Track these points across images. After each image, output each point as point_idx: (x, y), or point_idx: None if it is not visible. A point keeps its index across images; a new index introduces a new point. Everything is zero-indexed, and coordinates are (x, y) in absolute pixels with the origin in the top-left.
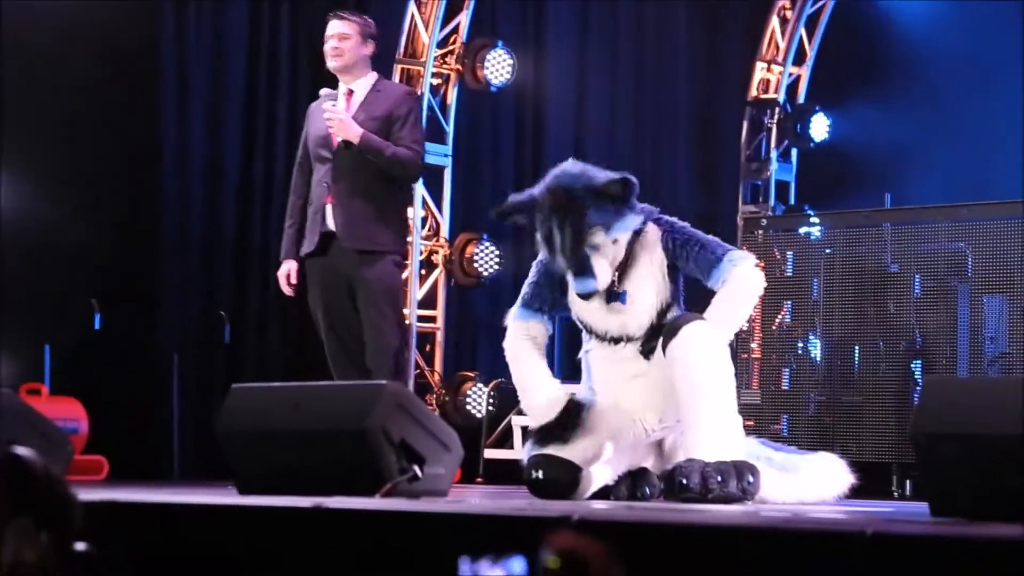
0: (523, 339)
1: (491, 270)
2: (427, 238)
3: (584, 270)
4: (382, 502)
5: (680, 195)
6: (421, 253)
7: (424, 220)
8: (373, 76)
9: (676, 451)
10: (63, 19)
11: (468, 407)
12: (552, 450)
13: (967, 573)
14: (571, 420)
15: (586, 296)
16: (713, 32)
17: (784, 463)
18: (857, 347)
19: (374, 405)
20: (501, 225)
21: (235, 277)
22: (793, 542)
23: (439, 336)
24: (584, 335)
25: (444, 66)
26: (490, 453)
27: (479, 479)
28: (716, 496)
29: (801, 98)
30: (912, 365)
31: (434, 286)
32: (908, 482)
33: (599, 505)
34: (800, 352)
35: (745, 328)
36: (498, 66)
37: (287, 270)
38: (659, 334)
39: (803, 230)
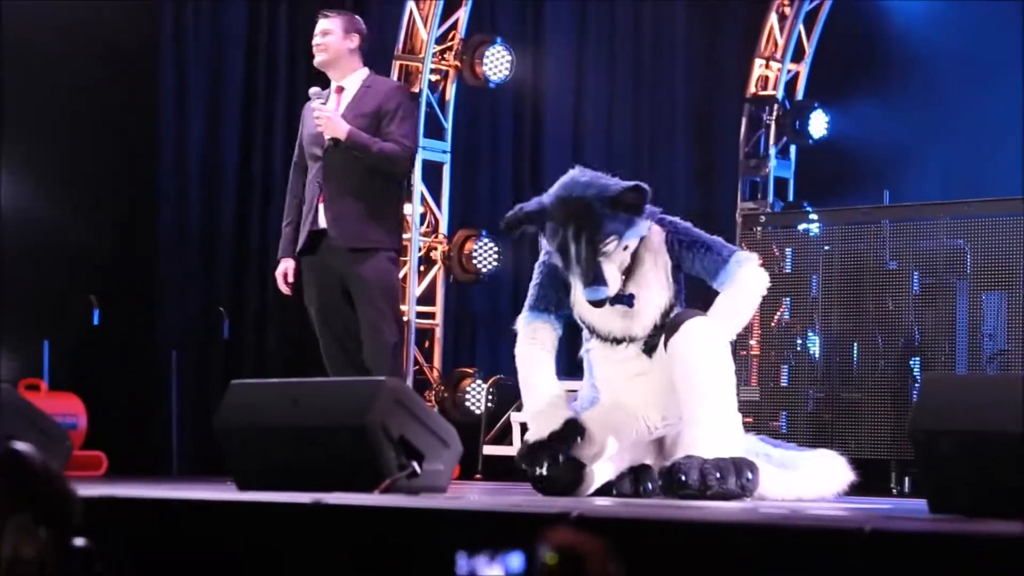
0: (530, 343)
1: (490, 266)
2: (426, 234)
3: (598, 279)
4: (381, 498)
5: (679, 192)
6: (420, 249)
7: (423, 216)
8: (364, 72)
9: (676, 447)
10: (63, 19)
11: (467, 403)
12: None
13: (966, 570)
14: (565, 441)
15: (598, 304)
16: (712, 29)
17: (783, 460)
18: (856, 344)
19: (373, 401)
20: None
21: (234, 274)
22: (792, 539)
23: (438, 332)
24: (584, 334)
25: (443, 62)
26: (489, 449)
27: (478, 475)
28: (715, 493)
29: (800, 95)
30: (911, 362)
31: (433, 282)
32: (907, 479)
33: (599, 502)
34: (799, 349)
35: (744, 325)
36: (497, 62)
37: (284, 269)
38: (661, 332)
39: (802, 227)
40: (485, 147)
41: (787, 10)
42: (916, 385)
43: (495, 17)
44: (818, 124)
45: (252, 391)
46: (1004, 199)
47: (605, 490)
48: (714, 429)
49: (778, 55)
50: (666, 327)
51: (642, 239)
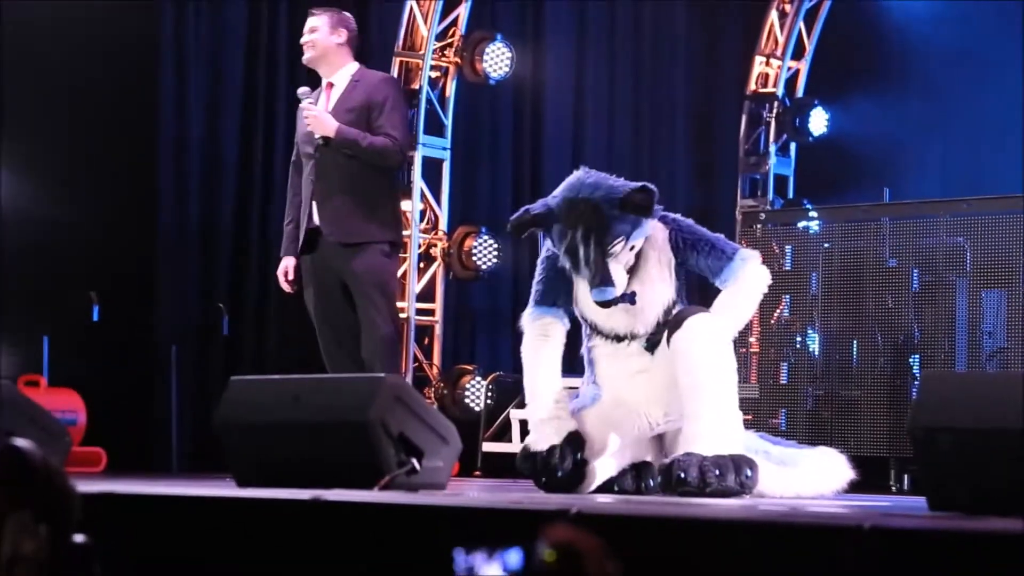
0: (540, 339)
1: (489, 263)
2: (425, 231)
3: (606, 281)
4: (380, 495)
5: (678, 189)
6: (419, 246)
7: (423, 213)
8: (354, 67)
9: (676, 444)
10: (63, 19)
11: (466, 400)
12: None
13: (965, 567)
14: (563, 459)
15: (606, 304)
16: (712, 24)
17: (782, 457)
18: (855, 341)
19: (373, 398)
20: (499, 218)
21: (234, 271)
22: (791, 536)
23: (437, 329)
24: (585, 331)
25: (443, 59)
26: (488, 446)
27: (477, 472)
28: (714, 490)
29: (800, 92)
30: (910, 360)
31: (432, 279)
32: (906, 476)
33: (599, 499)
34: (798, 346)
35: (746, 322)
36: (497, 59)
37: (285, 267)
38: (664, 329)
39: (801, 224)
40: (485, 144)
41: (787, 7)
42: (915, 383)
43: (495, 13)
44: (818, 121)
45: (252, 387)
46: (1004, 197)
47: (606, 487)
48: (714, 426)
49: (778, 52)
50: (669, 323)
51: (646, 237)
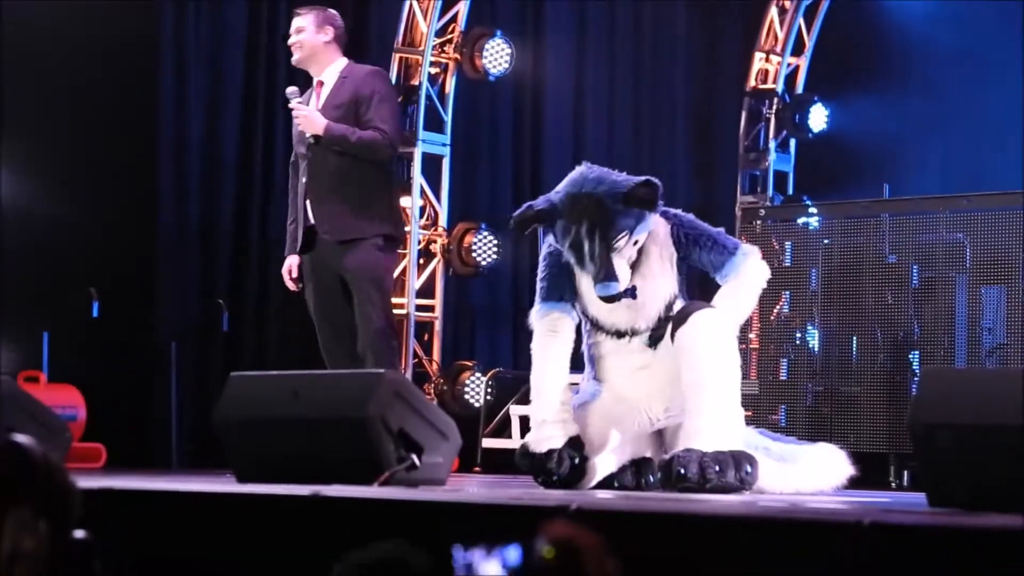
0: (550, 336)
1: (489, 259)
2: (425, 227)
3: (610, 275)
4: (380, 491)
5: (678, 187)
6: (419, 242)
7: (422, 209)
8: (342, 63)
9: (676, 439)
10: (63, 19)
11: (466, 396)
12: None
13: (964, 563)
14: (561, 464)
15: (609, 299)
16: (712, 24)
17: (782, 453)
18: (855, 338)
19: (373, 394)
20: (499, 215)
21: (233, 270)
22: (791, 532)
23: (437, 325)
24: (586, 327)
25: (442, 55)
26: (488, 442)
27: (477, 468)
28: (714, 486)
29: (800, 88)
30: (910, 356)
31: (432, 275)
32: (906, 472)
33: (600, 495)
34: (798, 342)
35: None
36: (497, 55)
37: (288, 266)
38: (665, 325)
39: (801, 220)
40: (485, 140)
41: (787, 4)
42: (915, 379)
43: (495, 9)
44: (818, 118)
45: (251, 383)
46: (1003, 193)
47: (607, 483)
48: (715, 421)
49: (778, 49)
50: (674, 318)
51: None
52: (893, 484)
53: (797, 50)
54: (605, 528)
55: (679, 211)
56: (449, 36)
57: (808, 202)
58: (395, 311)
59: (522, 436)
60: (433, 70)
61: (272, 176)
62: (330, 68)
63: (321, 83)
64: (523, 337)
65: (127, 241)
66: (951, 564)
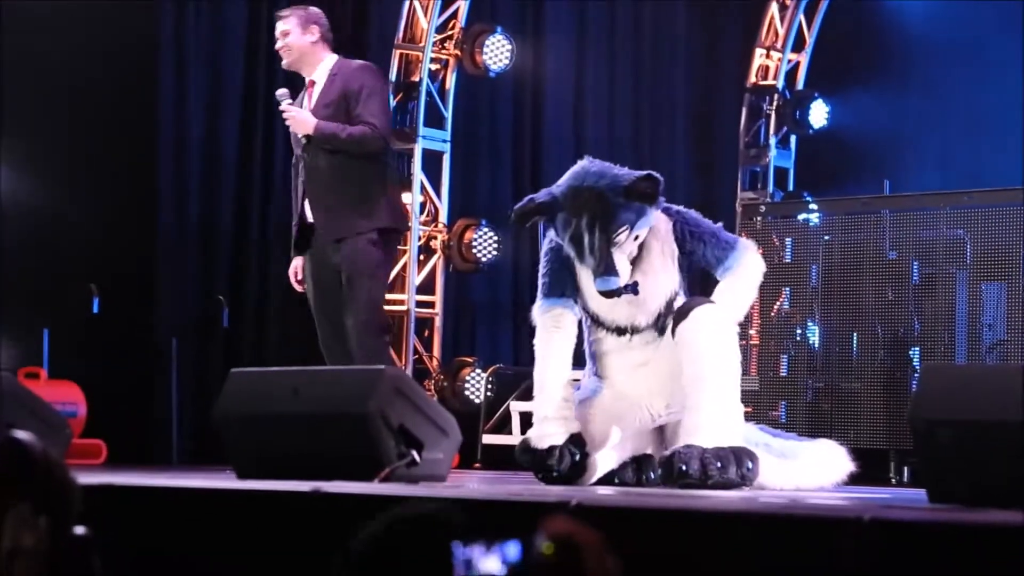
0: (552, 331)
1: (489, 256)
2: (425, 223)
3: (610, 270)
4: (380, 487)
5: (679, 181)
6: (419, 239)
7: (423, 205)
8: (332, 61)
9: (676, 435)
10: (63, 19)
11: (466, 392)
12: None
13: (964, 559)
14: (561, 460)
15: (609, 294)
16: (712, 24)
17: (783, 449)
18: (855, 334)
19: (373, 390)
20: (499, 211)
21: (233, 269)
22: (791, 528)
23: (437, 322)
24: (587, 324)
25: (443, 51)
26: (488, 438)
27: (477, 464)
28: (715, 482)
29: (800, 85)
30: (910, 352)
31: (432, 272)
32: (906, 468)
33: (600, 491)
34: (798, 339)
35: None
36: (497, 51)
37: (294, 267)
38: (666, 320)
39: (802, 217)
40: (485, 136)
41: (788, 0)
42: (915, 375)
43: (495, 6)
44: (818, 114)
45: (252, 380)
46: (1004, 189)
47: (607, 479)
48: (715, 417)
49: (779, 45)
50: (675, 314)
51: (649, 228)
52: (893, 480)
53: (798, 46)
54: (605, 524)
55: (681, 208)
56: (449, 32)
57: (808, 198)
58: (396, 307)
59: (522, 432)
60: (433, 66)
61: (272, 176)
62: (320, 67)
63: (313, 83)
64: (523, 333)
65: (127, 240)
66: (951, 560)
